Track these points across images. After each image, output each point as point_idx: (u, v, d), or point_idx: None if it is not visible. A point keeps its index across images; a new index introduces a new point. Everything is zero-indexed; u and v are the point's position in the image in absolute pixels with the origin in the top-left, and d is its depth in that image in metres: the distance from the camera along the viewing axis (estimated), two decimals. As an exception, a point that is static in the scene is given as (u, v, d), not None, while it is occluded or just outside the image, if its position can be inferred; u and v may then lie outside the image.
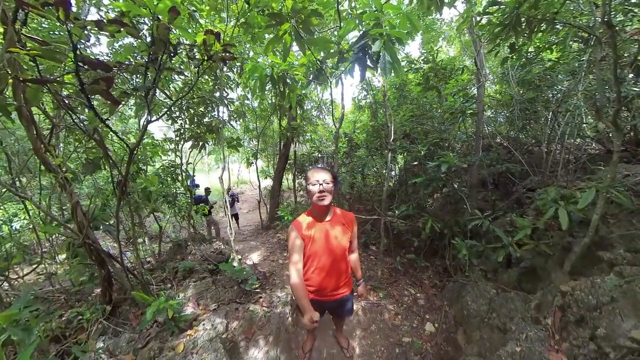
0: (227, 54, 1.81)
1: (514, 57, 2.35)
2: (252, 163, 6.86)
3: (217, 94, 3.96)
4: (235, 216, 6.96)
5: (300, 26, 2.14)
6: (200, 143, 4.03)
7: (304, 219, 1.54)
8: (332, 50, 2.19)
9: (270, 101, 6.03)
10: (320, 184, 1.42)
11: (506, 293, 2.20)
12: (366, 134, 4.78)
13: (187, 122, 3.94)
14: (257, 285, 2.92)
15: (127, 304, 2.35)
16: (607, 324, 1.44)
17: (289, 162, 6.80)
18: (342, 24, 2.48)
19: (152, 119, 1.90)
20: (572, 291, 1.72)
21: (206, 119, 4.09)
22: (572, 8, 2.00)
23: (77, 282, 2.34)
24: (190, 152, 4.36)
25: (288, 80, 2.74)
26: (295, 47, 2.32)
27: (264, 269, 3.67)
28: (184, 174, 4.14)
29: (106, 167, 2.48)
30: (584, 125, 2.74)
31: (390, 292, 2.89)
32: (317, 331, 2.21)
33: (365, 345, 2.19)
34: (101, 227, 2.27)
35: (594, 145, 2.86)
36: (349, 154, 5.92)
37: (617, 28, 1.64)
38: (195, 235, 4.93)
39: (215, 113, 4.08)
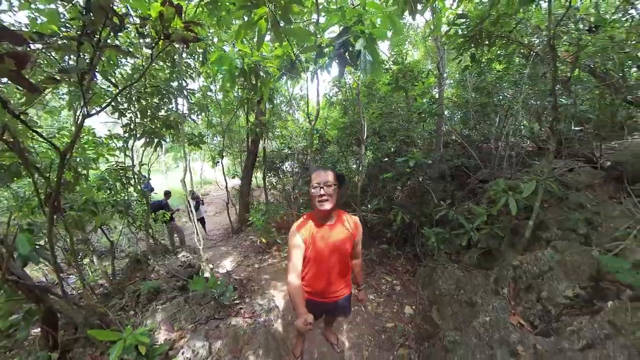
0: (190, 34, 1.48)
1: (473, 66, 2.68)
2: (218, 162, 6.40)
3: (175, 84, 3.52)
4: (202, 220, 6.46)
5: (279, 12, 1.90)
6: (156, 140, 3.55)
7: (306, 222, 1.49)
8: (309, 44, 2.08)
9: (236, 94, 5.72)
10: (321, 187, 1.37)
11: (469, 272, 2.56)
12: (337, 131, 4.90)
13: (139, 116, 3.42)
14: (235, 297, 2.74)
15: (80, 345, 1.91)
16: (548, 288, 1.81)
17: (257, 159, 6.60)
18: (321, 17, 2.38)
19: (91, 112, 1.57)
20: (521, 265, 2.09)
21: (162, 112, 3.63)
22: (520, 29, 2.37)
23: (4, 327, 1.74)
24: (144, 151, 3.84)
25: (261, 73, 2.56)
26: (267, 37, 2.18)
27: (239, 276, 3.54)
28: (136, 177, 3.65)
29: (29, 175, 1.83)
30: (522, 127, 3.28)
31: (370, 283, 3.09)
32: (307, 333, 2.20)
33: (353, 337, 2.31)
34: (30, 258, 1.63)
35: (529, 143, 3.47)
36: (320, 151, 6.02)
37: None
38: (157, 247, 4.42)
39: (173, 105, 3.67)
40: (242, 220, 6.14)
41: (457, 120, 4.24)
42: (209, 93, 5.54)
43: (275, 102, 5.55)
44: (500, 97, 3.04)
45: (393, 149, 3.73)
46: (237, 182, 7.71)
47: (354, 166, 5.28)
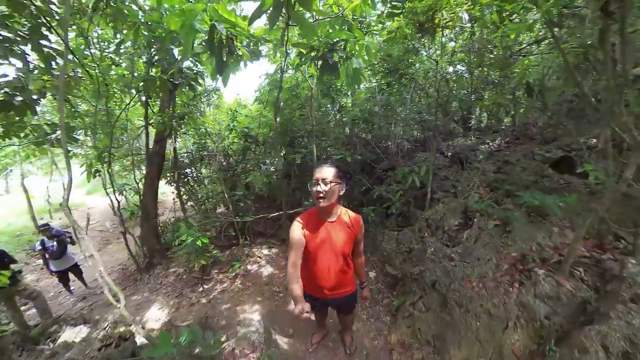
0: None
1: (385, 89, 3.90)
2: (99, 172, 4.10)
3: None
4: (76, 270, 4.20)
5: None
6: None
7: (310, 215, 1.52)
8: (306, 41, 2.02)
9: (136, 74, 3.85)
10: (318, 184, 1.38)
11: (396, 231, 3.76)
12: (269, 129, 5.05)
13: None
14: (222, 338, 2.27)
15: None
16: (446, 224, 3.16)
17: (165, 163, 5.47)
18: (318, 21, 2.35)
19: None
20: (429, 217, 3.43)
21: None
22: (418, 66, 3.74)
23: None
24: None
25: (239, 52, 1.86)
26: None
27: (189, 320, 2.91)
28: None
29: None
30: (409, 130, 4.98)
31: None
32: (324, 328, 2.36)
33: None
34: None
35: (412, 143, 5.30)
36: (244, 152, 5.91)
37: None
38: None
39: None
40: (152, 251, 4.62)
41: (368, 126, 5.56)
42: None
43: (198, 89, 4.66)
44: (398, 110, 4.50)
45: (330, 149, 4.55)
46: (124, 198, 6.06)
47: (275, 167, 5.64)
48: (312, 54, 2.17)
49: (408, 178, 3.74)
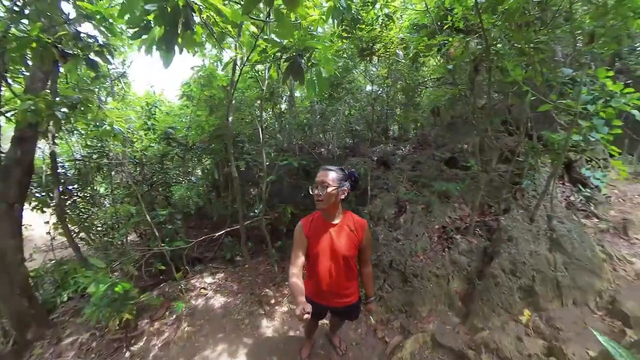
0: None
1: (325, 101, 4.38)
2: None
3: None
4: None
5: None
6: None
7: (314, 217, 1.52)
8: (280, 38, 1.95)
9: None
10: (316, 187, 1.40)
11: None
12: (201, 131, 4.46)
13: None
14: None
15: None
16: (386, 214, 3.88)
17: (33, 179, 3.74)
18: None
19: None
20: (371, 210, 4.08)
21: None
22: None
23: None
24: None
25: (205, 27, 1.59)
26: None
27: None
28: None
29: None
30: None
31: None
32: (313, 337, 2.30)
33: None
34: None
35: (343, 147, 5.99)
36: (163, 159, 4.99)
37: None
38: None
39: None
40: (23, 320, 2.78)
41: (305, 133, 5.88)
42: None
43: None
44: (332, 120, 5.08)
45: (272, 154, 4.58)
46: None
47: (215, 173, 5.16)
48: (285, 54, 2.11)
49: (349, 179, 4.32)
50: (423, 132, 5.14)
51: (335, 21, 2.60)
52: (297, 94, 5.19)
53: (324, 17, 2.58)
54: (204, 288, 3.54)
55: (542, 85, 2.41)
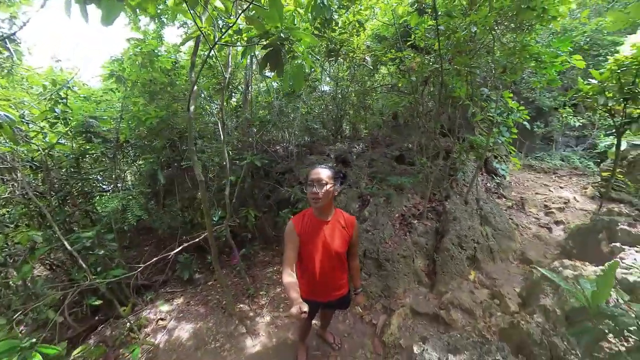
0: None
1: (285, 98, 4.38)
2: None
3: None
4: None
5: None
6: None
7: (305, 215, 1.53)
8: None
9: None
10: (313, 185, 1.41)
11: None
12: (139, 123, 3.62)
13: None
14: None
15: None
16: (351, 210, 4.24)
17: None
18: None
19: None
20: (337, 206, 4.38)
21: None
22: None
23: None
24: None
25: None
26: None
27: None
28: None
29: None
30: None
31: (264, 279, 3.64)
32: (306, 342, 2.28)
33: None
34: None
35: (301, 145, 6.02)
36: (78, 162, 3.92)
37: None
38: None
39: None
40: None
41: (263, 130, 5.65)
42: None
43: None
44: (290, 117, 5.11)
45: (232, 154, 4.29)
46: None
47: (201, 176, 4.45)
48: (265, 41, 1.87)
49: (313, 177, 4.50)
50: (372, 132, 5.74)
51: (310, 16, 2.57)
52: (258, 86, 4.97)
53: (300, 10, 2.48)
54: (161, 319, 2.95)
55: (468, 99, 3.14)
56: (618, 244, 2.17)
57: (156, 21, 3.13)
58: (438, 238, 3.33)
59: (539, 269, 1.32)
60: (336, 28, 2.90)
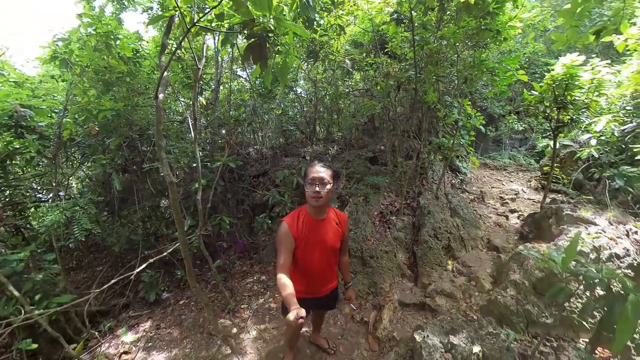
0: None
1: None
2: None
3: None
4: None
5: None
6: None
7: (299, 214, 1.52)
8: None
9: None
10: (316, 184, 1.40)
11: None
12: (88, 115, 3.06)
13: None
14: None
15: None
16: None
17: None
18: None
19: None
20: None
21: None
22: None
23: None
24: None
25: None
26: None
27: None
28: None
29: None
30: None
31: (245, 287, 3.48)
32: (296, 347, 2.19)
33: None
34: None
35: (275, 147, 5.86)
36: (4, 163, 3.21)
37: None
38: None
39: None
40: None
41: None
42: None
43: None
44: (265, 118, 5.00)
45: (203, 155, 4.03)
46: None
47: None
48: (250, 30, 1.70)
49: (292, 179, 4.45)
50: (344, 135, 5.92)
51: (294, 14, 2.52)
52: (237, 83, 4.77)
53: (284, 7, 2.47)
54: (125, 352, 2.53)
55: (438, 104, 3.48)
56: (565, 226, 2.60)
57: (115, 2, 2.78)
58: (415, 231, 3.55)
59: (533, 253, 1.55)
60: (318, 29, 2.95)
